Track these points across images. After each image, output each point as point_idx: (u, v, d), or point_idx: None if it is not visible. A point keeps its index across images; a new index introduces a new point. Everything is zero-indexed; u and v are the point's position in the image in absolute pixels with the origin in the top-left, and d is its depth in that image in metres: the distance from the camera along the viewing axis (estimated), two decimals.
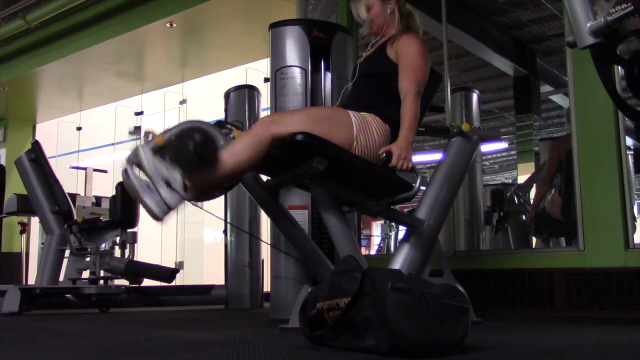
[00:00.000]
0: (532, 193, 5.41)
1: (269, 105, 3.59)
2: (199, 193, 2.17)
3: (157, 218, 2.07)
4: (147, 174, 2.07)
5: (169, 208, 2.06)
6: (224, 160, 2.15)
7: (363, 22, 2.67)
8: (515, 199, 5.51)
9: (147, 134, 2.12)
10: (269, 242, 3.37)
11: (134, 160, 2.08)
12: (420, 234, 2.49)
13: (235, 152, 2.18)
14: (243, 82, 5.59)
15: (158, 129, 2.18)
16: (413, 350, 1.43)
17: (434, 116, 5.76)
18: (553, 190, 4.67)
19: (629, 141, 4.26)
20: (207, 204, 2.75)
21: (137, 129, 2.24)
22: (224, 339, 2.06)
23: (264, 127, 2.20)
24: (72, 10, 6.43)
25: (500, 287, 3.74)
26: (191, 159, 2.08)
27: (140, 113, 7.70)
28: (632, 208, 3.43)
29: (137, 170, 2.09)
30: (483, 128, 2.83)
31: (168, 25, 6.01)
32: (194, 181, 2.11)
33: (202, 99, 7.47)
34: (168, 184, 2.06)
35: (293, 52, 3.42)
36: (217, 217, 3.40)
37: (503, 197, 5.35)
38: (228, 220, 4.90)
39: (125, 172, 2.09)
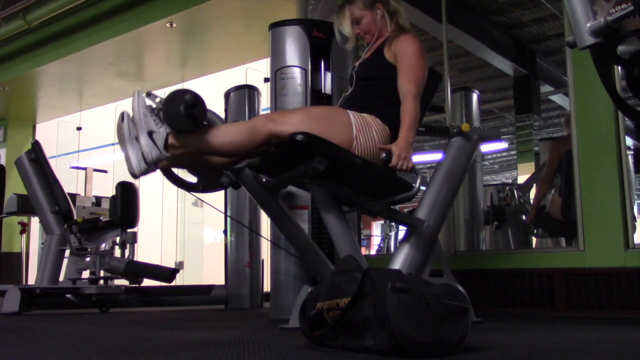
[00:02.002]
0: (532, 193, 5.42)
1: (269, 105, 3.59)
2: (180, 157, 2.17)
3: (134, 173, 2.08)
4: (133, 119, 2.07)
5: (147, 164, 2.06)
6: (216, 133, 2.16)
7: (346, 38, 2.66)
8: (516, 197, 5.51)
9: (152, 94, 2.13)
10: (269, 239, 3.37)
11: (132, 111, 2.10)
12: (420, 234, 2.49)
13: (229, 131, 2.21)
14: (243, 82, 5.60)
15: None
16: (413, 350, 1.43)
17: (434, 116, 5.76)
18: (553, 190, 4.67)
19: (629, 141, 4.26)
20: (206, 206, 2.76)
21: (153, 94, 2.26)
22: (224, 339, 2.06)
23: (263, 121, 2.21)
24: (72, 10, 6.42)
25: (500, 287, 3.74)
26: (180, 118, 2.09)
27: None
28: (632, 208, 3.43)
29: (132, 123, 2.10)
30: (483, 128, 2.83)
31: (168, 25, 6.01)
32: (178, 142, 2.11)
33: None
34: (151, 136, 2.06)
35: (293, 52, 3.42)
36: (217, 209, 3.40)
37: (503, 215, 5.32)
38: (228, 222, 4.90)
39: (121, 116, 2.10)
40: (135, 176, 2.09)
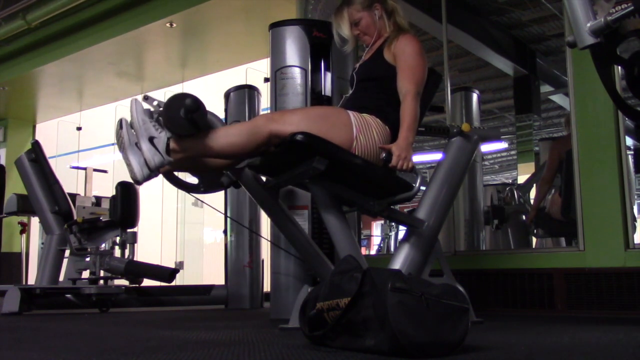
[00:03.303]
0: (533, 193, 5.42)
1: (269, 105, 3.59)
2: (182, 161, 2.17)
3: (137, 179, 2.08)
4: (133, 127, 2.07)
5: (149, 170, 2.06)
6: (215, 136, 2.16)
7: (345, 40, 2.66)
8: (516, 197, 5.51)
9: (149, 98, 2.13)
10: (269, 239, 3.37)
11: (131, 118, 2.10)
12: (420, 234, 2.49)
13: (230, 133, 2.20)
14: (243, 82, 5.60)
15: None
16: (413, 350, 1.43)
17: (434, 116, 5.76)
18: (553, 190, 4.67)
19: (629, 141, 4.26)
20: (206, 206, 2.76)
21: (151, 98, 2.25)
22: (224, 339, 2.06)
23: (263, 121, 2.21)
24: (72, 10, 6.42)
25: (500, 287, 3.74)
26: (181, 122, 2.09)
27: None
28: (632, 208, 3.43)
29: (131, 129, 2.10)
30: (483, 128, 2.82)
31: (168, 25, 6.01)
32: (180, 146, 2.12)
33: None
34: (152, 142, 2.06)
35: (293, 52, 3.42)
36: (218, 210, 3.40)
37: (503, 214, 5.32)
38: (228, 221, 4.90)
39: (120, 123, 2.10)
40: (138, 182, 2.09)
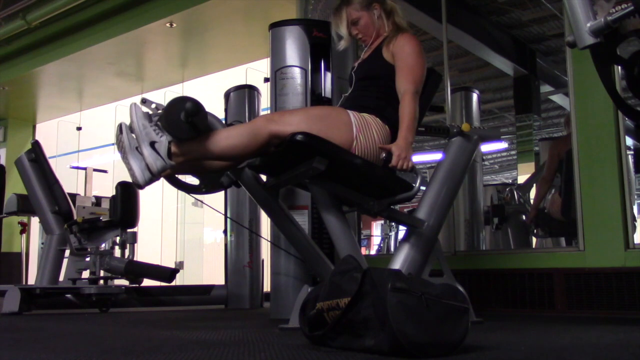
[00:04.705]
0: (532, 193, 5.42)
1: (269, 105, 3.59)
2: (184, 164, 2.17)
3: (139, 184, 2.07)
4: (133, 132, 2.07)
5: (151, 173, 2.06)
6: (218, 138, 2.16)
7: (341, 38, 2.66)
8: (516, 197, 5.51)
9: (147, 101, 2.13)
10: (269, 239, 3.37)
11: (130, 122, 2.09)
12: (420, 234, 2.49)
13: (230, 135, 2.20)
14: (243, 82, 5.60)
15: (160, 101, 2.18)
16: (413, 350, 1.43)
17: (434, 116, 5.77)
18: (553, 190, 4.68)
19: (629, 141, 4.26)
20: (207, 203, 2.75)
21: (149, 101, 2.25)
22: (224, 339, 2.06)
23: (263, 122, 2.21)
24: (72, 10, 6.42)
25: (500, 287, 3.74)
26: (181, 126, 2.09)
27: None
28: (632, 208, 3.43)
29: (131, 134, 2.10)
30: (483, 128, 2.83)
31: (168, 25, 6.01)
32: (180, 150, 2.12)
33: (202, 99, 7.45)
34: (153, 146, 2.06)
35: (293, 52, 3.42)
36: (218, 211, 3.40)
37: (503, 211, 5.33)
38: (228, 221, 4.90)
39: (119, 128, 2.09)
40: (140, 187, 2.09)
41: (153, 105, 2.13)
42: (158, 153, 2.06)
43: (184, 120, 2.07)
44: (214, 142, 2.15)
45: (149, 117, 2.11)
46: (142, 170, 2.06)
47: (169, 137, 2.10)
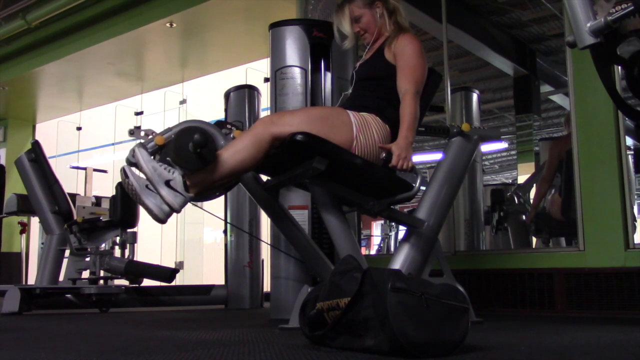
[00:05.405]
0: (532, 193, 5.42)
1: (269, 105, 3.59)
2: (200, 193, 2.17)
3: (159, 220, 2.08)
4: (146, 176, 2.08)
5: (171, 209, 2.07)
6: (224, 159, 2.16)
7: (345, 37, 2.66)
8: (516, 198, 5.51)
9: (134, 131, 2.13)
10: (269, 243, 3.37)
11: (132, 161, 2.09)
12: (420, 234, 2.49)
13: (235, 151, 2.19)
14: (243, 82, 5.60)
15: (157, 129, 2.18)
16: (413, 350, 1.43)
17: (434, 116, 5.76)
18: (553, 190, 4.67)
19: (629, 141, 4.26)
20: (207, 203, 2.75)
21: (137, 129, 2.23)
22: (224, 339, 2.06)
23: (263, 127, 2.21)
24: (72, 10, 6.42)
25: (500, 287, 3.74)
26: (191, 159, 2.09)
27: (140, 113, 7.69)
28: (632, 208, 3.43)
29: (136, 171, 2.10)
30: (483, 128, 2.83)
31: (168, 25, 6.01)
32: (194, 181, 2.12)
33: (202, 99, 7.46)
34: (169, 184, 2.07)
35: (293, 52, 3.41)
36: (217, 217, 3.40)
37: (503, 197, 5.35)
38: (228, 220, 4.90)
39: (123, 172, 2.09)
40: (162, 222, 2.10)
41: (142, 134, 2.13)
42: (175, 190, 2.07)
43: (192, 152, 2.07)
44: (223, 163, 2.16)
45: (155, 152, 2.10)
46: (158, 207, 2.06)
47: (180, 170, 2.10)
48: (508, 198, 5.53)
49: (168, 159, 2.12)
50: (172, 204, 2.06)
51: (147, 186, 2.07)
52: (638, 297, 3.24)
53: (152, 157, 2.10)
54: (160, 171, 2.08)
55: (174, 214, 2.11)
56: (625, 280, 3.29)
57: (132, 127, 2.13)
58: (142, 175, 2.09)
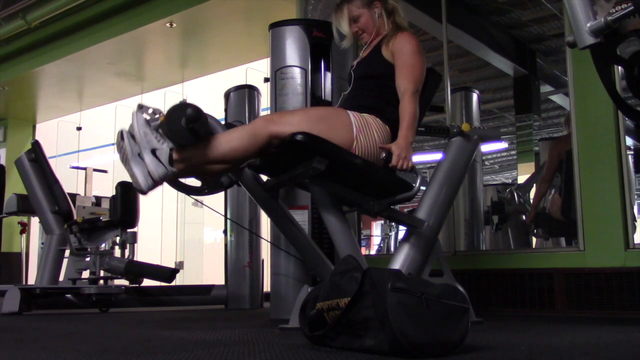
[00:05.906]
0: (532, 193, 5.42)
1: (269, 105, 3.59)
2: (186, 170, 2.17)
3: (142, 190, 2.08)
4: (135, 140, 2.07)
5: (153, 180, 2.06)
6: (217, 143, 2.16)
7: (344, 36, 2.66)
8: (516, 197, 5.51)
9: (143, 107, 2.12)
10: (269, 240, 3.37)
11: (131, 128, 2.10)
12: (420, 234, 2.49)
13: (231, 138, 2.20)
14: (243, 82, 5.60)
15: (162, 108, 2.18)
16: (413, 350, 1.43)
17: (434, 116, 5.76)
18: (553, 190, 4.67)
19: (629, 141, 4.26)
20: (207, 204, 2.75)
21: (145, 107, 2.26)
22: (224, 339, 2.07)
23: (263, 124, 2.21)
24: (72, 10, 6.42)
25: (500, 287, 3.74)
26: (182, 132, 2.08)
27: None
28: (632, 208, 3.43)
29: (132, 140, 2.10)
30: (483, 128, 2.83)
31: (168, 25, 6.01)
32: (182, 156, 2.11)
33: (202, 99, 7.46)
34: (154, 153, 2.06)
35: (293, 52, 3.42)
36: (217, 212, 3.40)
37: (503, 208, 5.33)
38: (228, 221, 4.90)
39: (120, 135, 2.09)
40: (143, 192, 2.09)
41: (150, 110, 2.13)
42: (159, 160, 2.06)
43: (184, 126, 2.07)
44: (215, 146, 2.15)
45: (148, 123, 2.10)
46: (144, 177, 2.05)
47: (171, 144, 2.10)
48: (508, 198, 5.53)
49: (160, 129, 2.11)
50: (152, 172, 2.05)
51: (138, 154, 2.06)
52: (638, 297, 3.24)
53: (148, 125, 2.10)
54: (150, 138, 2.07)
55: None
56: (625, 280, 3.29)
57: (141, 103, 2.14)
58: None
